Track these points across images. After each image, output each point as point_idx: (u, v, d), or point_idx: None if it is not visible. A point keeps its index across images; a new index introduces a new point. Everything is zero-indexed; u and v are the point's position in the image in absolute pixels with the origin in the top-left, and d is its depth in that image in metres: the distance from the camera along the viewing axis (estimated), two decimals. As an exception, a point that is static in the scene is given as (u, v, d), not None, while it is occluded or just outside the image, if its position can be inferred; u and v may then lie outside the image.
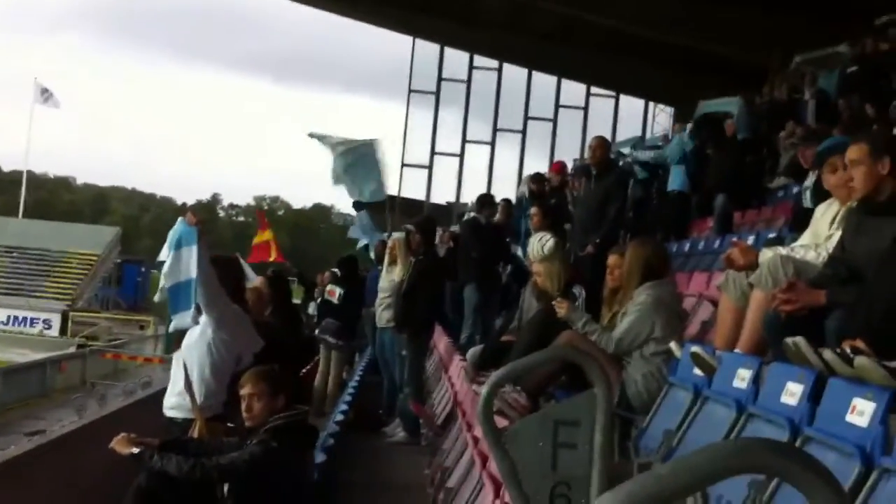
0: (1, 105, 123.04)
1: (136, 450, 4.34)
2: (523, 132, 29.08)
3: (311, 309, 14.66)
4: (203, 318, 5.17)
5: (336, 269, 12.70)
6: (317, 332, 11.84)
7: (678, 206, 11.56)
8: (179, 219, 5.36)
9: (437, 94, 28.80)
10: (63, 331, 36.91)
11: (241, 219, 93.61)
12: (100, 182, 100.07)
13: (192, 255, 5.10)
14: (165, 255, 5.30)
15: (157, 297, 5.86)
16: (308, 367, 11.07)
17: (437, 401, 9.19)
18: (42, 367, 26.05)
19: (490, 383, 2.08)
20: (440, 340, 10.76)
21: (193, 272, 5.08)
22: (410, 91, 28.95)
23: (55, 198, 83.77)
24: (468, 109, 29.00)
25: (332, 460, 5.89)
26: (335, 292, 11.72)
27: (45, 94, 46.07)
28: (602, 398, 2.26)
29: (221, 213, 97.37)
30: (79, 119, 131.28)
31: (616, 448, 4.60)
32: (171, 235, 5.29)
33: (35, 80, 46.20)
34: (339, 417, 7.44)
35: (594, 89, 29.21)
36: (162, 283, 5.41)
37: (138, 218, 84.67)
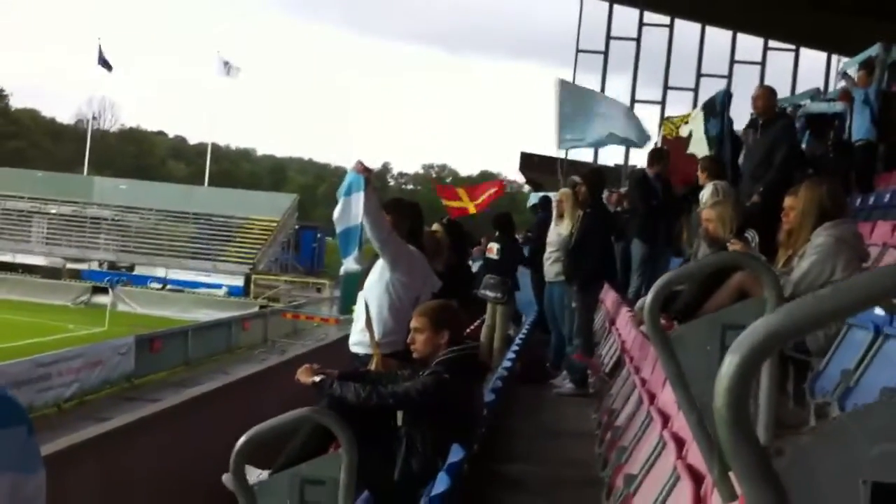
0: (187, 80, 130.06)
1: (317, 379, 4.58)
2: (695, 90, 28.16)
3: (474, 268, 14.85)
4: (379, 261, 5.42)
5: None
6: (478, 291, 12.00)
7: (864, 156, 10.91)
8: (349, 168, 5.60)
9: (606, 53, 28.30)
10: (246, 292, 38.88)
11: (410, 187, 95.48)
12: (278, 153, 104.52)
13: (359, 201, 5.33)
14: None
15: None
16: (474, 324, 11.25)
17: (604, 352, 9.17)
18: (227, 326, 27.64)
19: (659, 285, 2.10)
20: (608, 295, 10.70)
21: (361, 218, 5.31)
22: (578, 51, 28.56)
23: (237, 168, 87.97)
24: (637, 68, 28.37)
25: (500, 402, 6.02)
26: (493, 248, 11.84)
27: (227, 67, 48.39)
28: (772, 304, 2.23)
29: (391, 182, 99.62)
30: (258, 92, 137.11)
31: (791, 391, 4.50)
32: (342, 185, 5.53)
33: (217, 53, 48.51)
34: (507, 365, 7.54)
35: (772, 43, 27.91)
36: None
37: (314, 187, 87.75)
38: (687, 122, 12.26)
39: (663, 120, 17.18)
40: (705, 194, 7.23)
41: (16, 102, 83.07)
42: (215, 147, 56.02)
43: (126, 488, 6.86)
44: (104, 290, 34.38)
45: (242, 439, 2.73)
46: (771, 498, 0.92)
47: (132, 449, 7.03)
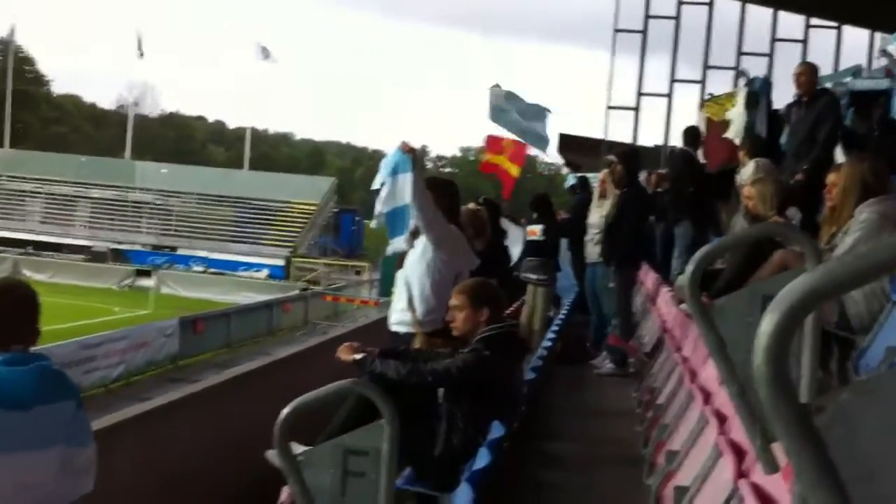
0: (226, 65, 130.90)
1: (358, 356, 4.63)
2: (736, 69, 27.77)
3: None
4: (422, 240, 5.43)
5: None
6: (519, 273, 11.97)
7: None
8: (394, 147, 5.59)
9: (644, 32, 28.00)
10: (286, 275, 39.20)
11: (448, 169, 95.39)
12: (316, 137, 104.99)
13: (407, 180, 5.33)
14: (379, 183, 5.57)
15: (374, 224, 6.14)
16: (513, 306, 11.25)
17: (644, 332, 9.15)
18: (269, 308, 27.93)
19: (699, 256, 2.10)
20: (647, 276, 10.66)
21: (408, 197, 5.31)
22: (616, 31, 28.28)
23: (275, 152, 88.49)
24: (677, 47, 28.03)
25: (540, 381, 6.04)
26: (536, 230, 11.80)
27: (265, 53, 48.70)
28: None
29: (429, 165, 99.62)
30: (296, 77, 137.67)
31: (835, 370, 4.47)
32: (386, 163, 5.53)
33: (255, 38, 48.80)
34: (547, 344, 7.55)
35: (814, 20, 27.43)
36: (378, 209, 5.68)
37: (352, 170, 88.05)
38: (729, 108, 12.09)
39: (706, 101, 17.01)
40: (747, 171, 7.18)
41: (57, 88, 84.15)
42: (254, 131, 56.37)
43: (168, 465, 6.99)
44: (148, 274, 34.88)
45: (286, 410, 2.78)
46: (811, 453, 0.94)
47: (174, 426, 7.17)
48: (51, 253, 39.81)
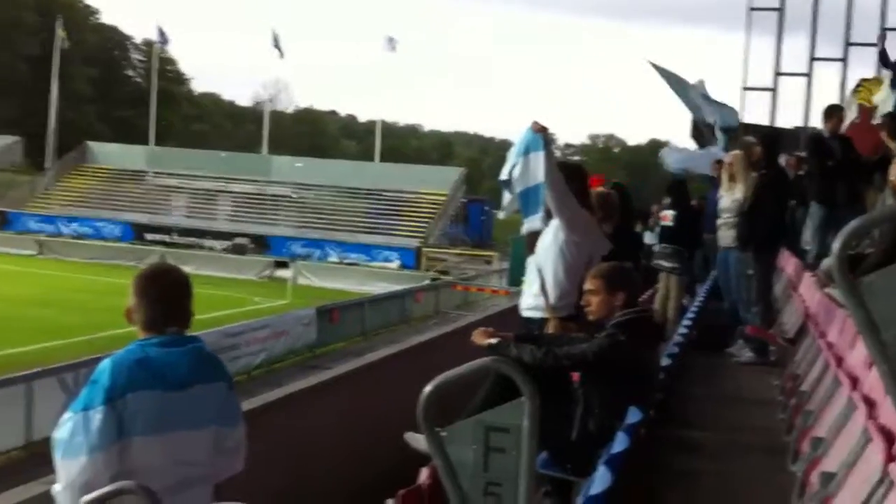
0: (356, 59, 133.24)
1: (493, 340, 4.66)
2: (882, 45, 26.39)
3: (647, 238, 14.61)
4: (554, 222, 5.41)
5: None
6: (653, 261, 11.78)
7: None
8: (526, 127, 5.59)
9: (781, 9, 26.98)
10: (417, 265, 39.73)
11: (576, 158, 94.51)
12: (443, 128, 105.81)
13: (539, 160, 5.33)
14: (506, 173, 5.58)
15: (501, 214, 6.18)
16: (647, 294, 11.09)
17: (786, 319, 8.88)
18: (401, 298, 28.38)
19: (847, 232, 2.05)
20: (789, 261, 10.33)
21: (541, 177, 5.30)
22: (751, 9, 27.35)
23: (404, 144, 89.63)
24: (816, 24, 26.88)
25: (676, 368, 5.95)
26: (667, 216, 11.60)
27: (392, 44, 49.51)
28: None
29: (557, 153, 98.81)
30: (424, 69, 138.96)
31: None
32: (517, 145, 5.55)
33: (383, 31, 49.53)
34: (683, 331, 7.43)
35: (968, -12, 25.83)
36: (507, 199, 5.69)
37: (479, 161, 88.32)
38: (877, 92, 11.63)
39: (857, 88, 16.40)
40: None
41: (197, 87, 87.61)
42: (384, 124, 57.19)
43: (311, 447, 7.24)
44: (285, 265, 35.96)
45: (429, 387, 2.85)
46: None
47: (316, 408, 7.42)
48: (194, 244, 41.50)
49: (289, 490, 6.57)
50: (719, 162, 11.10)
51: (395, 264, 39.77)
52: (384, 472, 5.19)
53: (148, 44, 65.95)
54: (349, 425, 7.84)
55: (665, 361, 5.53)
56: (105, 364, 2.98)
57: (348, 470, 7.36)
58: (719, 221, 9.55)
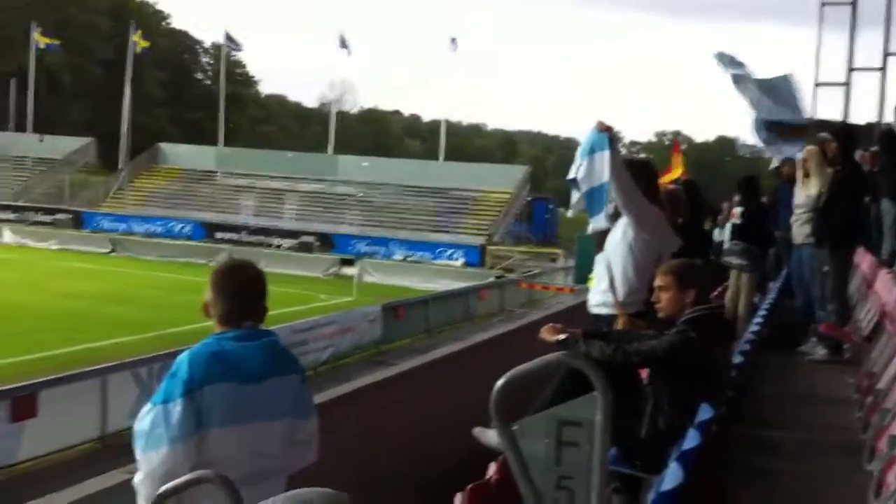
0: (419, 59, 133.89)
1: (561, 336, 4.64)
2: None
3: (717, 235, 14.42)
4: (623, 220, 5.38)
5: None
6: (723, 258, 11.60)
7: None
8: (591, 127, 5.57)
9: (854, 3, 26.32)
10: (481, 263, 39.72)
11: (643, 156, 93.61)
12: (507, 127, 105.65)
13: (604, 159, 5.31)
14: (574, 172, 5.55)
15: (570, 213, 6.14)
16: (716, 291, 10.92)
17: (861, 317, 8.68)
18: (465, 296, 28.41)
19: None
20: (863, 258, 10.10)
21: (606, 176, 5.28)
22: (823, 4, 26.75)
23: (468, 143, 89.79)
24: (890, 16, 26.16)
25: (748, 366, 5.86)
26: (736, 213, 11.43)
27: (455, 44, 49.62)
28: None
29: (623, 151, 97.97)
30: (487, 68, 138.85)
31: None
32: (583, 145, 5.53)
33: (446, 31, 49.65)
34: (755, 329, 7.31)
35: None
36: (575, 197, 5.66)
37: (543, 159, 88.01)
38: None
39: None
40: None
41: (265, 88, 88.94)
42: (448, 123, 57.33)
43: (379, 441, 7.30)
44: (351, 262, 36.27)
45: (500, 382, 2.86)
46: None
47: (383, 403, 7.49)
48: (261, 243, 42.06)
49: (359, 483, 6.64)
50: (791, 160, 10.85)
51: (459, 262, 39.80)
52: (451, 467, 5.21)
53: (217, 47, 67.10)
54: (415, 420, 7.89)
55: (736, 359, 5.45)
56: (183, 357, 3.06)
57: (415, 464, 7.41)
58: (793, 217, 9.38)
